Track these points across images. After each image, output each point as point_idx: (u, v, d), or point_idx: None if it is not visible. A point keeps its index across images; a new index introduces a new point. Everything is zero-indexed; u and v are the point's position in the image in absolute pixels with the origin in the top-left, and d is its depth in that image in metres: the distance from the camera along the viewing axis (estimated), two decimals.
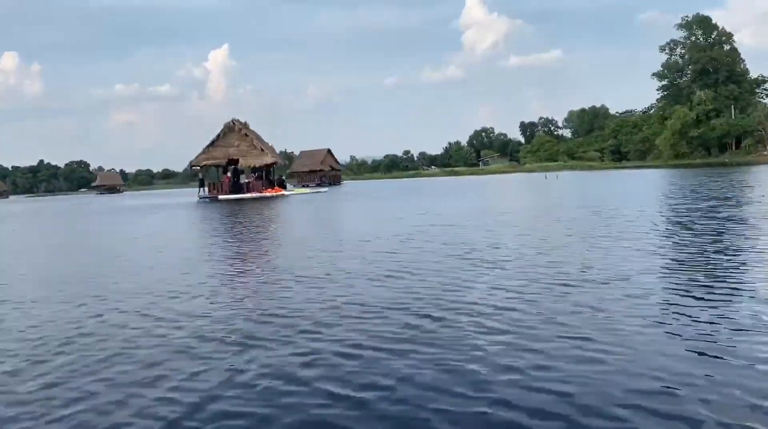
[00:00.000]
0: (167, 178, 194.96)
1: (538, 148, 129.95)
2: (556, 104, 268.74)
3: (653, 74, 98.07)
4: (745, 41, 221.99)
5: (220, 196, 36.52)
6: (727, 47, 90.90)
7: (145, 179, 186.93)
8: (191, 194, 43.66)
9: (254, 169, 39.73)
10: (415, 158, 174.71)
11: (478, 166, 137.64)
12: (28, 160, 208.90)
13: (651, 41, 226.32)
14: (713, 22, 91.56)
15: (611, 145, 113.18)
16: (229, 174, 38.46)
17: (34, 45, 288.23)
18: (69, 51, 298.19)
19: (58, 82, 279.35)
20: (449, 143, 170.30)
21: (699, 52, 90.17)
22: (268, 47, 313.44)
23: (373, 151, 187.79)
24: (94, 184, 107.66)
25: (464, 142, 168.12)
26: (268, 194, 37.40)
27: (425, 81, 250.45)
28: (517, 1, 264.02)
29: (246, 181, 38.85)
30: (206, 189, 38.95)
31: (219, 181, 39.21)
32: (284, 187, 41.58)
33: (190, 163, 39.35)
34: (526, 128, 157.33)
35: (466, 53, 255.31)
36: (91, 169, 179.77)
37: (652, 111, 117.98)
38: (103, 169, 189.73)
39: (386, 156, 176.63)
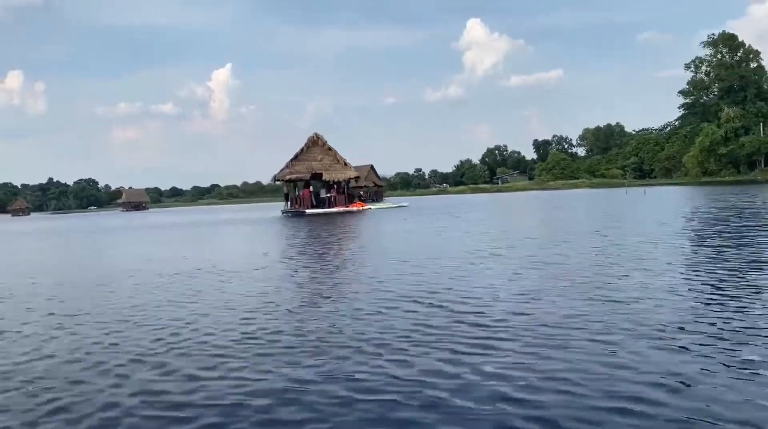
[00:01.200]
0: (175, 196, 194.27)
1: (553, 165, 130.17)
2: (557, 123, 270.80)
3: (679, 92, 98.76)
4: None
5: (307, 211, 35.86)
6: (753, 65, 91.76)
7: (153, 197, 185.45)
8: (264, 209, 42.83)
9: (331, 184, 39.04)
10: (427, 176, 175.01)
11: (495, 183, 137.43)
12: (35, 178, 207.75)
13: (651, 60, 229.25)
14: (740, 40, 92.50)
15: (633, 162, 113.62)
16: (311, 188, 37.83)
17: (37, 63, 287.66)
18: (72, 69, 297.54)
19: (62, 100, 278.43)
20: (460, 161, 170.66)
21: (726, 69, 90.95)
22: (270, 66, 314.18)
23: (377, 169, 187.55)
24: (119, 200, 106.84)
25: (475, 159, 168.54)
26: (354, 208, 36.81)
27: (426, 100, 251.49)
28: (517, 21, 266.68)
29: (328, 195, 38.18)
30: (289, 204, 38.26)
31: (299, 196, 38.50)
32: (363, 202, 40.95)
33: (275, 176, 38.66)
34: (540, 146, 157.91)
35: (468, 73, 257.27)
36: (99, 187, 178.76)
37: (668, 129, 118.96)
38: (110, 187, 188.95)
39: (397, 174, 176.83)
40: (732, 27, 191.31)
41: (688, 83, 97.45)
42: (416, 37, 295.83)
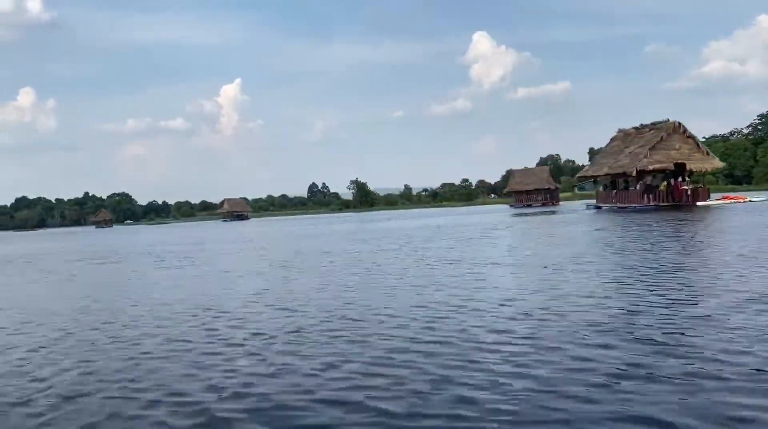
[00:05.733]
0: (206, 209, 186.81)
1: None
2: (565, 134, 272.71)
3: None
4: (751, 72, 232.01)
5: (699, 203, 32.27)
6: None
7: (186, 211, 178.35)
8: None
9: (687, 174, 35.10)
10: (474, 186, 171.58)
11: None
12: (71, 193, 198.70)
13: (658, 71, 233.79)
14: None
15: (724, 168, 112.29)
16: (680, 180, 34.10)
17: (48, 81, 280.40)
18: (83, 86, 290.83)
19: (74, 117, 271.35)
20: (507, 171, 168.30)
21: None
22: (278, 82, 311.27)
23: (386, 182, 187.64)
24: (220, 211, 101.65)
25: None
26: (739, 201, 33.42)
27: (434, 114, 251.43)
28: (524, 34, 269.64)
29: (684, 187, 34.45)
30: (651, 196, 34.40)
31: (657, 189, 34.65)
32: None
33: (636, 168, 34.62)
34: (594, 154, 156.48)
35: (475, 86, 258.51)
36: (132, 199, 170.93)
37: (735, 135, 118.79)
38: (136, 202, 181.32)
39: (444, 184, 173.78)
40: (740, 36, 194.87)
41: None
42: (423, 51, 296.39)
